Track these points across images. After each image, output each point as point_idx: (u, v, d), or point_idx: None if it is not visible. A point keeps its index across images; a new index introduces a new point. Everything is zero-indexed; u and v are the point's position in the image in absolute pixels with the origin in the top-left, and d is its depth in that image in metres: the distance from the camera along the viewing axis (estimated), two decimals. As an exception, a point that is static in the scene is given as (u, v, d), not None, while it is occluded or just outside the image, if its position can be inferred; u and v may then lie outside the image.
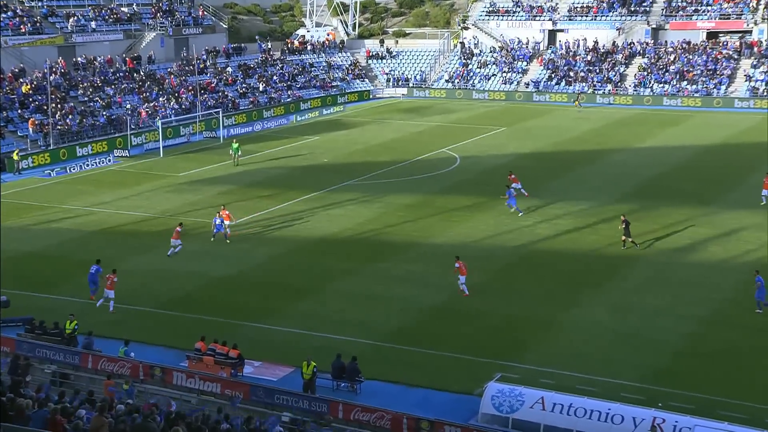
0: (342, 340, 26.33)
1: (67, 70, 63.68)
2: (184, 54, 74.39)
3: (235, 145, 53.51)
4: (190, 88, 69.69)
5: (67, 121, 57.32)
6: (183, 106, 66.14)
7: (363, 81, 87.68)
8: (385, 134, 64.63)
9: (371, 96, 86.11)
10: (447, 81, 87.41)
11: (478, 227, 38.03)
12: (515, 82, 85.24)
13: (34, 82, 59.77)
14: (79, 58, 65.99)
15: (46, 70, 59.23)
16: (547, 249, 35.11)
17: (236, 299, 29.63)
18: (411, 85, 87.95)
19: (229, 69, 76.68)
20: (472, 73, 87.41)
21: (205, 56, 76.15)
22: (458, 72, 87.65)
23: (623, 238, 33.75)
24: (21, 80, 59.88)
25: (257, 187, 46.16)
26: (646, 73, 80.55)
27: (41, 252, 34.50)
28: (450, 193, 45.12)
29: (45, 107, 57.31)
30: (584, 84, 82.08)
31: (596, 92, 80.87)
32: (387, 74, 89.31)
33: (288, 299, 29.65)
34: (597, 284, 30.73)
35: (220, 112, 63.56)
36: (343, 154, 57.09)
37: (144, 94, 65.85)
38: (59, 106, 58.25)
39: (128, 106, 62.97)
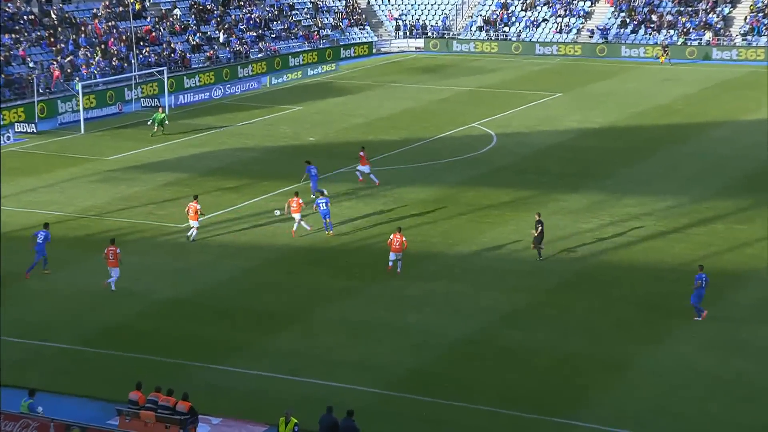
0: (335, 387, 26.49)
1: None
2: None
3: (161, 116, 53.64)
4: (123, 38, 70.05)
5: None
6: (113, 64, 66.47)
7: (363, 29, 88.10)
8: (394, 103, 64.88)
9: (374, 50, 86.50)
10: (480, 29, 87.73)
11: (522, 231, 38.22)
12: (575, 30, 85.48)
13: None
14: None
15: None
16: (618, 262, 35.26)
17: (188, 331, 29.85)
18: (430, 34, 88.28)
19: (177, 11, 77.08)
20: (514, 18, 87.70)
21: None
22: (495, 16, 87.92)
23: (533, 245, 34.75)
24: None
25: (218, 176, 46.40)
26: (762, 15, 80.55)
27: None
28: (483, 184, 45.25)
29: None
30: (672, 31, 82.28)
31: (689, 43, 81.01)
32: (396, 20, 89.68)
33: (261, 331, 29.86)
34: (688, 311, 30.87)
35: (165, 72, 63.92)
36: (336, 130, 57.38)
37: (57, 46, 66.20)
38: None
39: (34, 62, 63.30)
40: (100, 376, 27.13)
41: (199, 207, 37.29)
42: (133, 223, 39.56)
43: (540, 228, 34.99)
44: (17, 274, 33.85)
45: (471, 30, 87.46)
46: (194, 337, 29.38)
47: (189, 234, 37.40)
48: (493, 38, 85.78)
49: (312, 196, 41.42)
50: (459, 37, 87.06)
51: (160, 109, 54.92)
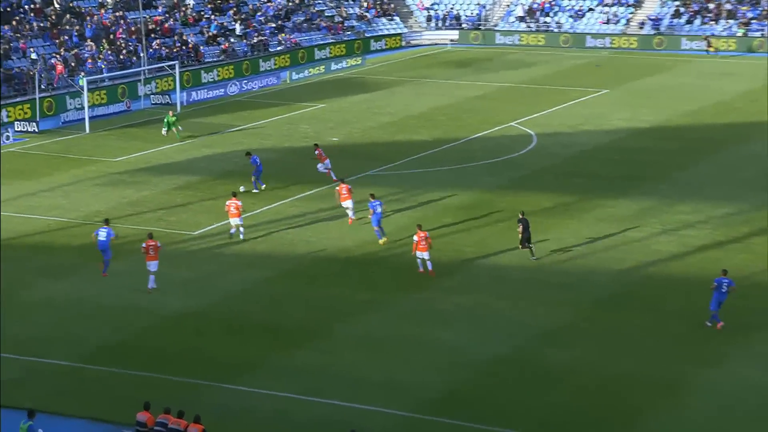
0: (358, 409, 26.45)
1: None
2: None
3: (172, 119, 53.81)
4: (132, 29, 70.52)
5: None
6: (120, 57, 66.93)
7: (392, 20, 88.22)
8: (425, 100, 64.88)
9: (404, 43, 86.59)
10: (519, 19, 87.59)
11: (565, 239, 38.04)
12: (623, 20, 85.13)
13: None
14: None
15: None
16: (671, 274, 35.02)
17: (199, 348, 29.92)
18: (464, 25, 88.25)
19: (191, 0, 77.50)
20: (557, 7, 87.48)
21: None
22: (536, 5, 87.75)
23: (521, 246, 35.73)
24: None
25: (232, 179, 46.54)
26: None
27: None
28: (521, 188, 45.18)
29: None
30: (731, 21, 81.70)
31: (749, 34, 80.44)
32: (428, 9, 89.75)
33: (278, 347, 29.87)
34: (751, 328, 30.53)
35: (177, 67, 64.27)
36: (361, 129, 57.47)
37: (60, 38, 66.77)
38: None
39: (35, 55, 63.87)
40: (105, 396, 27.20)
41: (240, 203, 37.99)
42: (141, 230, 39.68)
43: (521, 227, 35.59)
44: (14, 286, 34.06)
45: (509, 20, 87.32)
46: (206, 354, 29.41)
47: (232, 232, 38.25)
48: (534, 29, 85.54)
49: (255, 190, 43.91)
50: (497, 28, 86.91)
51: (171, 112, 54.94)
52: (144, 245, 33.95)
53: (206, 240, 38.87)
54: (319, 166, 45.55)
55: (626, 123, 57.34)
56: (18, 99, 59.75)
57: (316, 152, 45.93)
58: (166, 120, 53.97)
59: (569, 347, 29.62)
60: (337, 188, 40.33)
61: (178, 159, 50.68)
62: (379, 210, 37.78)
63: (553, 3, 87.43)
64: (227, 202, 38.80)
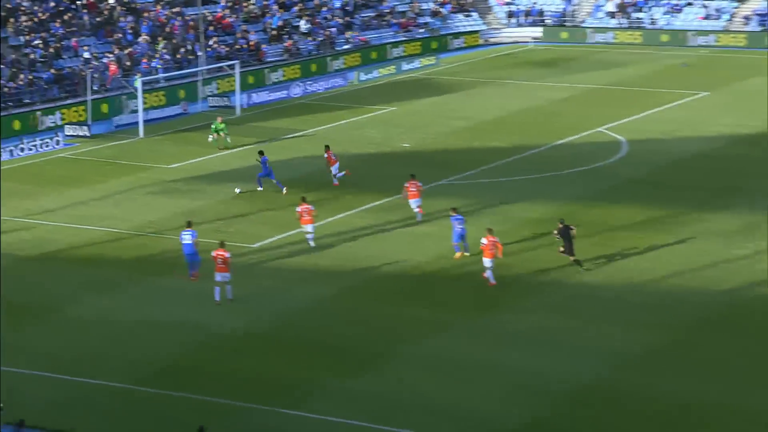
0: (427, 439, 26.37)
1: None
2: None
3: (221, 125, 53.99)
4: (190, 25, 71.29)
5: (-9, 78, 59.56)
6: (178, 56, 67.72)
7: (469, 16, 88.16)
8: (505, 103, 64.60)
9: (483, 40, 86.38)
10: (609, 15, 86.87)
11: (659, 258, 37.54)
12: (726, 16, 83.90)
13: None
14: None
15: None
16: (778, 296, 34.38)
17: (256, 369, 30.04)
18: (548, 22, 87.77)
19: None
20: (651, 1, 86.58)
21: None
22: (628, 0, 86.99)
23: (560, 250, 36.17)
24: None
25: (295, 188, 46.78)
26: None
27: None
28: (610, 200, 44.78)
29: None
30: None
31: None
32: (509, 5, 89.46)
33: (340, 370, 29.87)
34: None
35: (237, 67, 64.81)
36: (434, 135, 57.39)
37: (114, 36, 67.76)
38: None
39: (88, 54, 64.89)
40: (155, 420, 27.42)
41: (313, 208, 38.99)
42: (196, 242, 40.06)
43: (559, 237, 36.01)
44: (62, 302, 34.54)
45: (598, 16, 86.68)
46: (262, 376, 29.54)
47: (309, 239, 39.29)
48: (625, 26, 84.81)
49: (259, 188, 46.02)
50: (583, 25, 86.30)
51: (219, 118, 55.12)
52: (213, 254, 34.33)
53: (266, 253, 39.07)
54: (333, 168, 46.66)
55: (729, 129, 56.48)
56: (69, 101, 60.76)
57: (326, 155, 46.60)
58: (213, 126, 54.24)
59: (659, 374, 29.19)
60: (407, 185, 41.51)
61: (237, 166, 51.07)
62: (459, 227, 37.74)
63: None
64: (298, 209, 39.37)
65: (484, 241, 35.39)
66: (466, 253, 37.84)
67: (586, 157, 51.61)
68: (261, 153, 47.22)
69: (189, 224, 37.12)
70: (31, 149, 53.47)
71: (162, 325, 32.77)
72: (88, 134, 56.89)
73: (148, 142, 55.69)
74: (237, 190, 45.34)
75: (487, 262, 35.31)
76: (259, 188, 46.33)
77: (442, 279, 36.46)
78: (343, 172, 47.05)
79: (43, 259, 38.67)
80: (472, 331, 32.12)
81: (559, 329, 32.18)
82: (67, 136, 56.46)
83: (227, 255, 34.29)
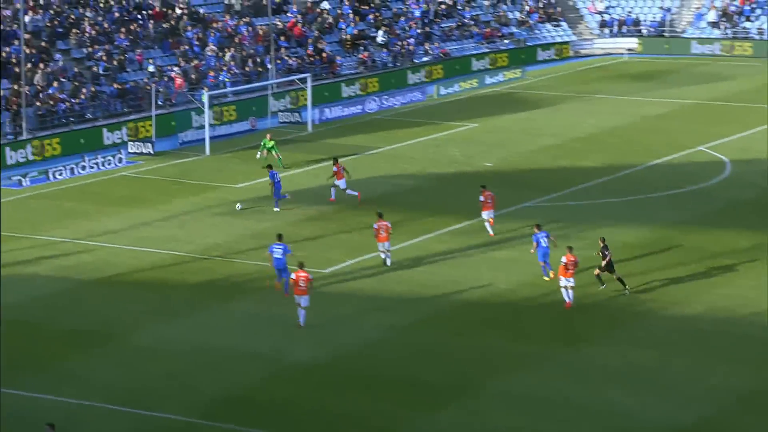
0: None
1: (56, 5, 67.56)
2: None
3: (270, 143, 54.45)
4: (260, 34, 71.97)
5: (51, 92, 60.52)
6: (246, 68, 68.44)
7: (558, 26, 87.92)
8: (596, 120, 64.24)
9: (572, 52, 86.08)
10: (712, 24, 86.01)
11: (765, 288, 37.02)
12: None
13: None
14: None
15: (18, 5, 62.91)
16: None
17: (326, 403, 30.12)
18: (644, 32, 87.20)
19: (326, 4, 78.83)
20: (759, 10, 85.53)
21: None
22: (734, 7, 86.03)
23: (598, 271, 36.95)
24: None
25: (369, 210, 46.96)
26: None
27: (3, 317, 36.12)
28: (712, 224, 44.39)
29: (14, 68, 60.59)
30: None
31: None
32: (601, 14, 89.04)
33: (418, 406, 29.86)
34: None
35: (309, 80, 65.32)
36: (519, 153, 57.25)
37: (181, 48, 68.74)
38: (38, 66, 61.65)
39: (153, 67, 65.89)
40: (218, 456, 27.68)
41: (389, 225, 39.84)
42: (264, 267, 40.35)
43: (605, 253, 36.69)
44: (123, 329, 35.05)
45: (700, 25, 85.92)
46: (333, 411, 29.59)
47: (386, 257, 40.04)
48: (730, 35, 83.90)
49: (275, 209, 46.57)
50: (683, 35, 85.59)
51: (269, 135, 55.50)
52: (293, 276, 34.76)
53: (338, 279, 39.28)
54: (339, 182, 47.57)
55: (841, 149, 55.63)
56: (132, 116, 61.69)
57: (335, 168, 47.30)
58: (263, 143, 54.72)
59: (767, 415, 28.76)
60: (483, 195, 42.50)
61: (308, 185, 51.43)
62: (544, 244, 37.98)
63: (754, 4, 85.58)
64: (375, 225, 39.87)
65: (563, 259, 35.71)
66: (553, 273, 37.87)
67: (685, 178, 51.18)
68: (270, 167, 48.04)
69: (280, 237, 38.22)
70: (93, 167, 54.39)
71: (228, 355, 33.00)
72: (152, 152, 57.61)
73: (215, 160, 56.33)
74: (238, 207, 46.48)
75: (565, 281, 35.63)
76: (276, 209, 46.97)
77: (526, 307, 36.35)
78: (356, 194, 47.18)
79: (103, 283, 39.25)
80: (560, 366, 31.92)
81: (655, 364, 31.82)
82: (130, 153, 57.19)
83: (309, 276, 34.78)
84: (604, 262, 36.84)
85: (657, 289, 37.56)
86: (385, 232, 39.70)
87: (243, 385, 31.11)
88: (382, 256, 40.18)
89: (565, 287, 35.77)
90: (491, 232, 42.82)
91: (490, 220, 42.94)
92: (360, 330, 34.81)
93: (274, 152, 54.37)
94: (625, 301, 36.45)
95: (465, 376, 31.52)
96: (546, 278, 38.11)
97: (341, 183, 47.64)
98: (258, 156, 54.49)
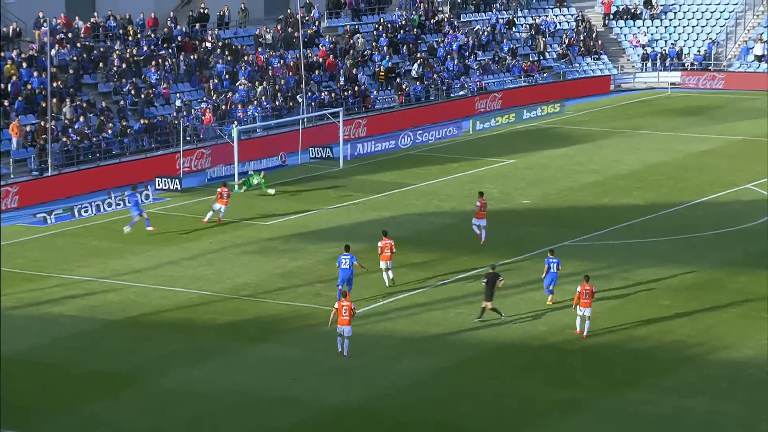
0: None
1: (82, 38, 68.00)
2: (286, 15, 77.06)
3: (257, 180, 56.15)
4: (291, 65, 72.16)
5: (77, 127, 60.89)
6: (276, 103, 68.61)
7: (598, 60, 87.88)
8: (638, 156, 64.03)
9: (614, 86, 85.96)
10: (760, 58, 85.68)
11: (818, 332, 36.66)
12: None
13: (23, 56, 63.97)
14: (100, 18, 70.29)
15: (43, 38, 63.36)
16: None
17: (360, 449, 29.97)
18: (688, 66, 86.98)
19: (360, 38, 78.99)
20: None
21: (317, 14, 78.87)
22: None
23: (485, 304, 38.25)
24: (-1, 53, 64.07)
25: (403, 248, 46.68)
26: None
27: (24, 357, 36.10)
28: (761, 266, 44.00)
29: (40, 102, 61.04)
30: None
31: None
32: (644, 47, 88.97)
33: (453, 453, 29.65)
34: None
35: (341, 114, 65.42)
36: (558, 191, 57.06)
37: (210, 82, 69.01)
38: (65, 100, 61.98)
39: (180, 101, 66.18)
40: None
41: (393, 243, 41.76)
42: (296, 307, 40.28)
43: (485, 281, 38.04)
44: (149, 371, 34.96)
45: (747, 58, 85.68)
46: (368, 457, 29.44)
47: (386, 276, 41.86)
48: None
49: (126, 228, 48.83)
50: (729, 69, 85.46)
51: (262, 173, 56.46)
52: (336, 305, 35.48)
53: (371, 320, 39.11)
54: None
55: None
56: (160, 152, 61.92)
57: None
58: (248, 179, 56.38)
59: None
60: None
61: (341, 223, 51.40)
62: (554, 270, 39.41)
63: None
64: (380, 243, 41.71)
65: (579, 289, 36.58)
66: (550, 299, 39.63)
67: (731, 217, 50.88)
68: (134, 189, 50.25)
69: (347, 248, 40.38)
70: (119, 204, 54.47)
71: (258, 398, 32.87)
72: (179, 188, 57.74)
73: (244, 196, 56.29)
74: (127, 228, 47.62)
75: (581, 311, 36.67)
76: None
77: (568, 351, 36.04)
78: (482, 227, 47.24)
79: (130, 323, 39.21)
80: (608, 414, 31.56)
81: (703, 413, 31.47)
82: (157, 190, 57.32)
83: (352, 306, 35.55)
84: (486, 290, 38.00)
85: (704, 333, 37.23)
86: (389, 250, 40.87)
87: (273, 430, 30.88)
88: (384, 275, 41.53)
89: (581, 317, 36.52)
90: (483, 239, 46.59)
91: (484, 231, 46.60)
92: (394, 373, 34.60)
93: (266, 189, 55.46)
94: (672, 344, 36.09)
95: (503, 422, 31.25)
96: (548, 302, 39.37)
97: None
98: (235, 188, 55.77)
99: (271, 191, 56.17)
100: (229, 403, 32.69)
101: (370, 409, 32.14)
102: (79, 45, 66.53)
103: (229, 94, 67.47)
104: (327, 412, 31.99)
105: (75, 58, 65.03)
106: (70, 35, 66.65)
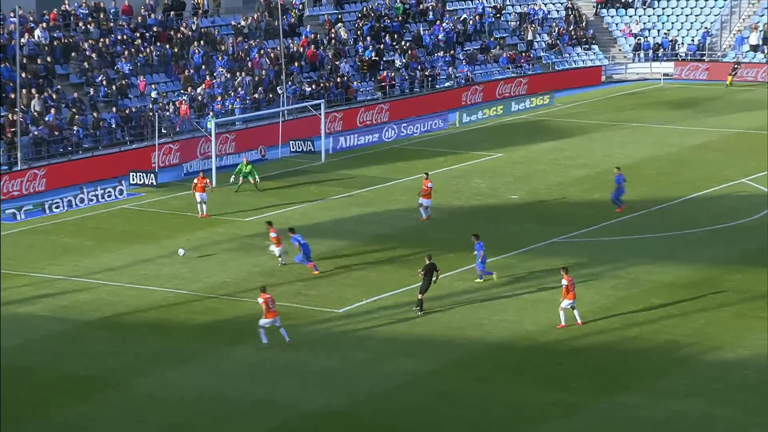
0: None
1: (54, 27, 67.69)
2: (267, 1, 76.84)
3: (247, 168, 55.90)
4: (270, 56, 71.97)
5: (48, 119, 60.67)
6: (255, 96, 68.49)
7: (589, 50, 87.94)
8: (631, 150, 64.16)
9: (605, 77, 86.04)
10: (753, 48, 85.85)
11: (816, 332, 36.75)
12: None
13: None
14: (70, 6, 69.86)
15: (12, 27, 63.06)
16: None
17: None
18: (681, 56, 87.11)
19: (342, 29, 78.88)
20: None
21: (299, 1, 78.70)
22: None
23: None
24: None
25: (387, 245, 46.87)
26: None
27: (-1, 356, 36.42)
28: (757, 263, 44.08)
29: (8, 94, 60.57)
30: None
31: None
32: (636, 37, 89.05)
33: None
34: None
35: (322, 106, 65.34)
36: (548, 185, 57.15)
37: (186, 73, 68.81)
38: (34, 92, 61.66)
39: (156, 93, 65.98)
40: None
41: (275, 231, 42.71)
42: (277, 307, 40.24)
43: (422, 273, 39.08)
44: (124, 374, 34.88)
45: (742, 48, 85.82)
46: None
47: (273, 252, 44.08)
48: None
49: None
50: (724, 59, 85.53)
51: (245, 159, 56.42)
52: (261, 300, 36.35)
53: (354, 320, 39.11)
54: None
55: None
56: (134, 146, 61.78)
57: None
58: (239, 168, 55.96)
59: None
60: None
61: (322, 219, 51.35)
62: (481, 251, 41.61)
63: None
64: (271, 231, 43.72)
65: (564, 282, 37.44)
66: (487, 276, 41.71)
67: (727, 213, 50.96)
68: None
69: (292, 230, 43.88)
70: (91, 199, 54.37)
71: (236, 403, 32.82)
72: (154, 183, 57.59)
73: (222, 193, 56.21)
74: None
75: (567, 302, 37.46)
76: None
77: (557, 352, 36.04)
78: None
79: (103, 324, 39.10)
80: (599, 418, 31.55)
81: (697, 416, 31.50)
82: (132, 185, 57.17)
83: (273, 298, 36.83)
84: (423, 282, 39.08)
85: (698, 333, 37.29)
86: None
87: (252, 435, 30.87)
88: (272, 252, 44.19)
89: (567, 309, 37.50)
90: (424, 216, 50.01)
91: (428, 210, 49.98)
92: (378, 375, 34.59)
93: (250, 178, 54.74)
94: (665, 345, 36.14)
95: (491, 427, 31.27)
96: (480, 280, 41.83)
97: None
98: (231, 180, 55.48)
99: (257, 178, 56.09)
100: (207, 407, 32.66)
101: (352, 414, 32.11)
102: (51, 37, 66.13)
103: (206, 82, 67.22)
104: (308, 416, 31.96)
105: (45, 48, 64.68)
106: (42, 25, 66.08)
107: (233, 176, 55.92)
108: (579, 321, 37.51)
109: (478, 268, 42.11)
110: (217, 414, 32.17)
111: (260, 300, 36.47)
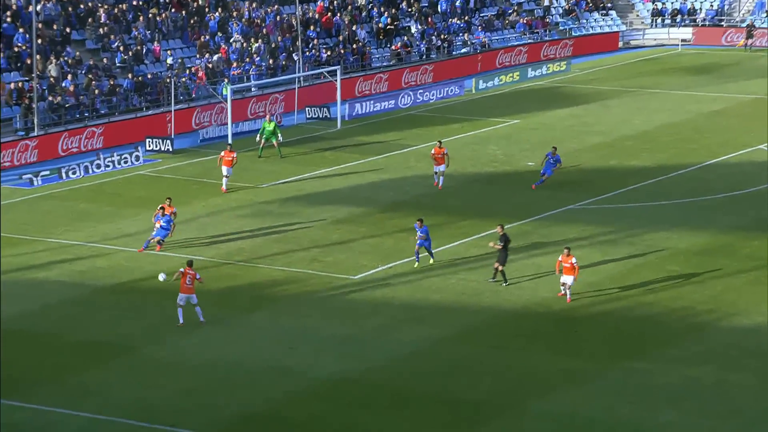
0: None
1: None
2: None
3: (270, 126, 55.49)
4: (284, 25, 71.90)
5: (64, 85, 60.64)
6: (271, 62, 68.39)
7: (607, 16, 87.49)
8: (647, 116, 63.89)
9: (622, 43, 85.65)
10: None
11: (831, 299, 36.67)
12: None
13: (7, 14, 63.56)
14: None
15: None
16: None
17: (356, 421, 29.93)
18: (700, 22, 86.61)
19: (360, -4, 78.68)
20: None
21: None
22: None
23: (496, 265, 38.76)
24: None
25: (403, 212, 46.83)
26: None
27: (9, 326, 35.68)
28: (774, 230, 44.03)
29: (24, 61, 60.69)
30: None
31: None
32: (654, 2, 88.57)
33: (455, 425, 29.59)
34: None
35: (338, 73, 65.15)
36: (564, 152, 56.80)
37: (202, 38, 68.74)
38: (50, 58, 61.77)
39: (171, 59, 65.94)
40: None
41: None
42: (291, 273, 40.24)
43: (503, 244, 38.34)
44: (141, 341, 35.00)
45: (762, 14, 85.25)
46: (363, 429, 29.46)
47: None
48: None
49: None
50: (742, 24, 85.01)
51: (268, 116, 56.31)
52: (182, 270, 35.79)
53: (369, 286, 39.13)
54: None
55: None
56: (150, 112, 61.77)
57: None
58: (263, 126, 55.90)
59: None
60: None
61: (338, 186, 51.32)
62: (420, 234, 40.02)
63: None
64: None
65: (560, 257, 37.05)
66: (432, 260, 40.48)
67: (744, 180, 50.83)
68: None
69: (162, 209, 42.74)
70: (108, 165, 54.41)
71: (251, 369, 32.89)
72: (170, 149, 57.59)
73: (239, 158, 56.16)
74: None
75: (565, 278, 36.95)
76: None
77: (572, 318, 36.04)
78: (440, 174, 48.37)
79: (119, 290, 39.21)
80: (612, 384, 31.55)
81: (712, 383, 31.45)
82: (148, 151, 57.18)
83: (197, 276, 35.72)
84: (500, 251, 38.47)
85: (714, 300, 37.23)
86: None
87: (266, 402, 30.99)
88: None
89: (564, 284, 37.08)
90: (440, 185, 49.65)
91: (442, 177, 49.55)
92: (392, 342, 34.61)
93: (274, 140, 54.64)
94: (681, 312, 36.09)
95: (505, 393, 31.27)
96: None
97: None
98: (257, 140, 55.57)
99: (280, 138, 56.05)
100: (222, 373, 32.72)
101: (366, 380, 32.14)
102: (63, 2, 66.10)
103: (222, 49, 67.14)
104: (322, 382, 32.00)
105: (61, 14, 64.62)
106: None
107: (258, 136, 55.81)
108: (569, 298, 37.07)
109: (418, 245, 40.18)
110: (232, 380, 32.24)
111: (180, 270, 35.77)
